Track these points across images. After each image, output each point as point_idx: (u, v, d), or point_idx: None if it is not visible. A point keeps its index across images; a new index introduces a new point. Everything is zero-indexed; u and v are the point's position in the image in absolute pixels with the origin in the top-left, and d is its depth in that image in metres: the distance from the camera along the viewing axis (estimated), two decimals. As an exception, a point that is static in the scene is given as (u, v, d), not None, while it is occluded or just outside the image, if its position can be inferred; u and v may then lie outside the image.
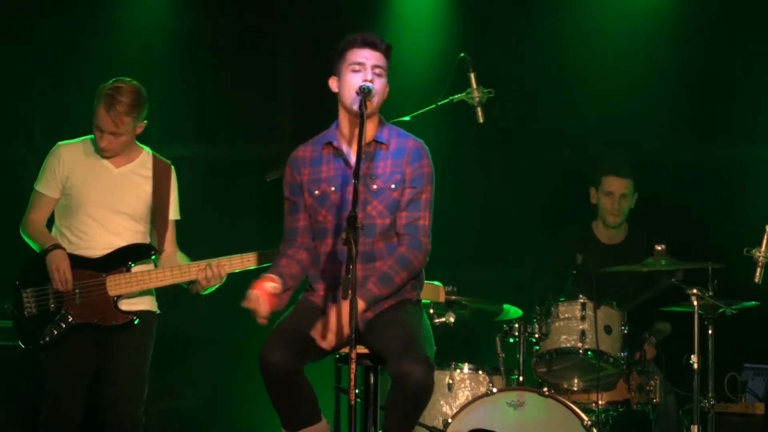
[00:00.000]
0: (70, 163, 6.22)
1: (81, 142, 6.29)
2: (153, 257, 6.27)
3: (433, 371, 5.30)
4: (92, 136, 6.25)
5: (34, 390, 6.50)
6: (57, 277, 6.07)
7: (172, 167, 6.37)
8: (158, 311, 6.32)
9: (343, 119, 5.65)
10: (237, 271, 6.25)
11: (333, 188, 5.60)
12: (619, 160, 7.52)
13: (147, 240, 6.29)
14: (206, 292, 6.26)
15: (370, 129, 5.62)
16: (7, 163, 8.24)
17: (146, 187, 6.27)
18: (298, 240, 5.68)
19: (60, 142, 6.31)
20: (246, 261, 6.26)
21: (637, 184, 7.47)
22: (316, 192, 5.63)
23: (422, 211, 5.60)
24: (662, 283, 6.97)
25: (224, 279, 6.21)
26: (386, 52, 5.61)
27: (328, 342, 5.37)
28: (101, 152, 6.22)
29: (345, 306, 5.26)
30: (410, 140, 5.66)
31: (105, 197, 6.20)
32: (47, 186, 6.24)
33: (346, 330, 5.26)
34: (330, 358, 5.67)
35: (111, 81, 6.18)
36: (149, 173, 6.29)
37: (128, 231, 6.22)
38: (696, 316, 6.56)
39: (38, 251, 6.19)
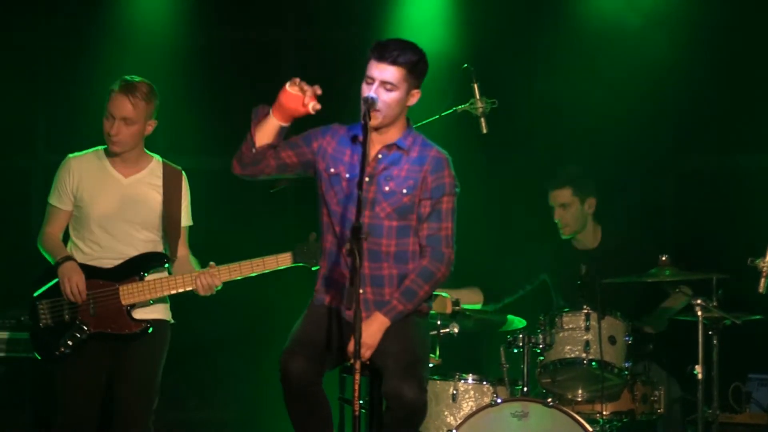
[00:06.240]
0: (79, 174, 6.20)
1: (91, 153, 6.28)
2: (167, 265, 6.24)
3: (425, 393, 5.41)
4: (102, 147, 6.26)
5: (46, 401, 6.49)
6: (69, 289, 6.05)
7: (183, 173, 6.34)
8: (172, 321, 6.30)
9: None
10: (254, 274, 6.22)
11: (348, 175, 5.61)
12: (557, 173, 7.50)
13: (160, 248, 6.26)
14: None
15: (394, 133, 5.65)
16: (10, 175, 8.25)
17: (157, 196, 6.24)
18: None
19: (70, 155, 6.29)
20: (268, 263, 6.23)
21: (584, 189, 7.42)
22: (332, 170, 5.66)
23: (443, 222, 5.62)
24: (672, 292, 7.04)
25: (221, 285, 6.20)
26: (406, 65, 5.54)
27: (365, 357, 5.45)
28: (110, 148, 6.19)
29: (369, 319, 5.44)
30: (433, 150, 5.69)
31: (115, 208, 6.18)
32: (59, 199, 6.23)
33: (376, 340, 5.46)
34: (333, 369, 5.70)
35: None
36: (159, 181, 6.26)
37: (140, 240, 6.20)
38: (701, 327, 6.57)
39: (53, 263, 6.18)
